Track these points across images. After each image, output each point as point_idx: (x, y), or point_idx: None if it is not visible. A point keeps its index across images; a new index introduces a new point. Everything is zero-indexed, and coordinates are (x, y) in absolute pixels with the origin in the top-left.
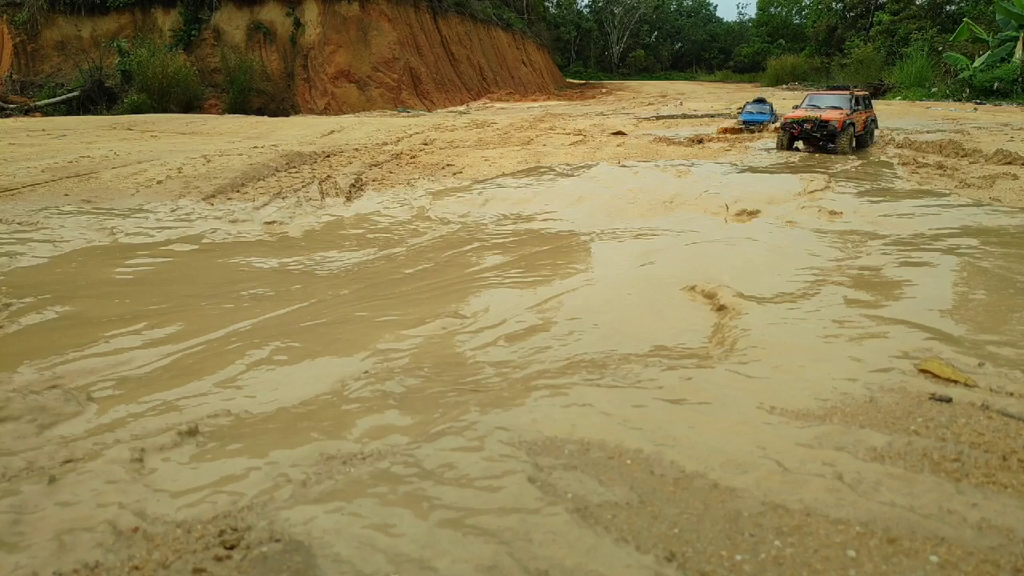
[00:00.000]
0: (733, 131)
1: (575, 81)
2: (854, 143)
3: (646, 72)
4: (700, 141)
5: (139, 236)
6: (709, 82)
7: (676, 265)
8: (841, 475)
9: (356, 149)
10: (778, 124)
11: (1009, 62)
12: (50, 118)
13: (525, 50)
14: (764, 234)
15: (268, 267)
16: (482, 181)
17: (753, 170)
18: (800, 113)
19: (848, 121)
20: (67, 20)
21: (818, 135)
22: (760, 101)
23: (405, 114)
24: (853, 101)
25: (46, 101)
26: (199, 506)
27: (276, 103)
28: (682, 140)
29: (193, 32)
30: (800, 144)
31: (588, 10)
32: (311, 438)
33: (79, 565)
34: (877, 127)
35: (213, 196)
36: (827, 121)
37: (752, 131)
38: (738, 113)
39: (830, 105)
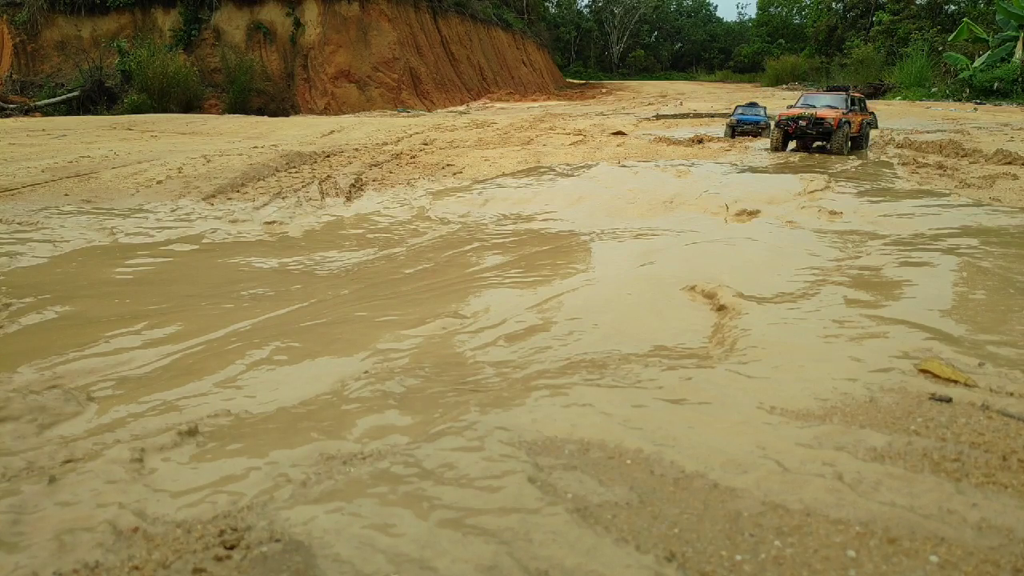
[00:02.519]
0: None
1: (575, 81)
2: (849, 143)
3: (646, 72)
4: (700, 141)
5: (139, 236)
6: (709, 82)
7: (676, 265)
8: (841, 475)
9: (356, 149)
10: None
11: (1009, 62)
12: (50, 118)
13: (525, 50)
14: (764, 234)
15: (268, 267)
16: (482, 181)
17: (753, 170)
18: (795, 111)
19: (844, 120)
20: (67, 20)
21: (813, 132)
22: (752, 105)
23: (405, 114)
24: (849, 101)
25: (46, 101)
26: (199, 506)
27: (276, 103)
28: (682, 140)
29: (193, 32)
30: (793, 143)
31: (588, 10)
32: (311, 438)
33: (79, 565)
34: (877, 128)
35: (213, 196)
36: (823, 118)
37: (745, 133)
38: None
39: (826, 104)
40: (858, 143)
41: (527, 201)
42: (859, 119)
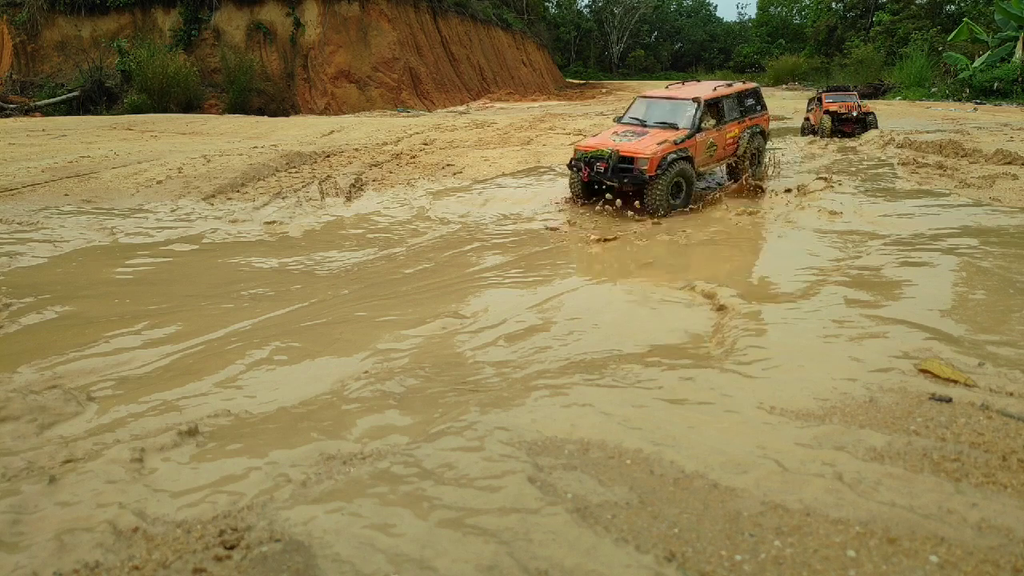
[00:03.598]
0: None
1: (575, 81)
2: (686, 194)
3: (646, 72)
4: None
5: (139, 236)
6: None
7: (676, 265)
8: (841, 475)
9: (356, 149)
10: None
11: (1009, 62)
12: (50, 118)
13: (525, 50)
14: (764, 234)
15: (268, 267)
16: (482, 181)
17: None
18: (592, 143)
19: (675, 155)
20: (67, 20)
21: (615, 183)
22: None
23: (405, 114)
24: (698, 112)
25: (46, 101)
26: (199, 506)
27: (276, 103)
28: None
29: (193, 32)
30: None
31: (588, 10)
32: (311, 438)
33: (79, 565)
34: (877, 127)
35: (213, 196)
36: (630, 157)
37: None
38: None
39: (659, 121)
40: (733, 172)
41: (527, 201)
42: (733, 133)
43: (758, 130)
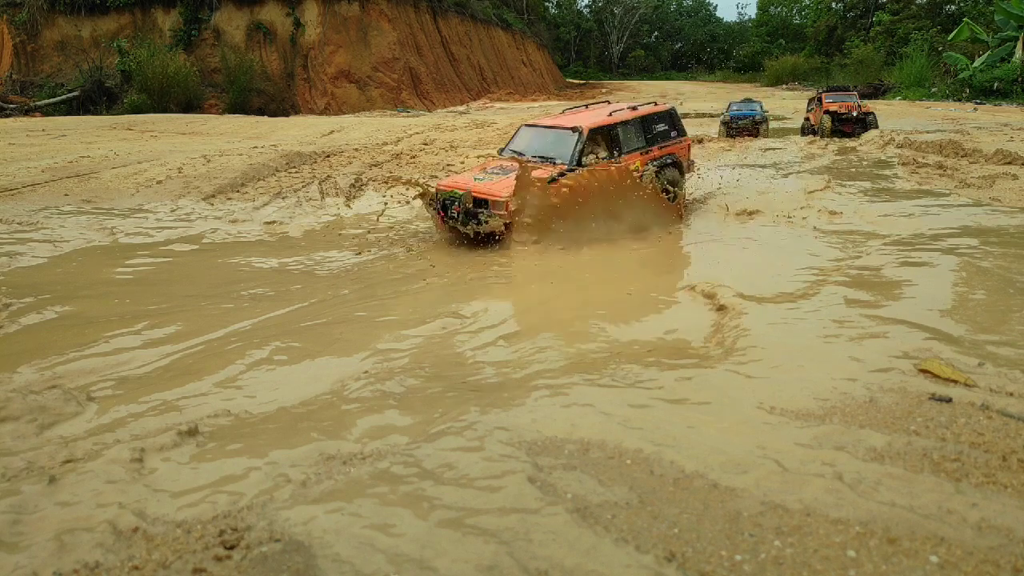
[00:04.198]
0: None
1: (575, 81)
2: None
3: (646, 72)
4: (700, 141)
5: (139, 236)
6: (709, 82)
7: (676, 265)
8: (841, 475)
9: (356, 149)
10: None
11: (1009, 62)
12: (50, 118)
13: (525, 50)
14: (764, 234)
15: (268, 267)
16: None
17: (752, 168)
18: (450, 182)
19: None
20: (67, 20)
21: (469, 231)
22: (748, 101)
23: (405, 114)
24: (579, 144)
25: (46, 101)
26: (199, 506)
27: (276, 103)
28: None
29: (193, 32)
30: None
31: (588, 10)
32: (311, 438)
33: (79, 565)
34: (878, 127)
35: (213, 196)
36: (486, 200)
37: (742, 130)
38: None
39: (538, 155)
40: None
41: None
42: (635, 165)
43: (670, 161)
